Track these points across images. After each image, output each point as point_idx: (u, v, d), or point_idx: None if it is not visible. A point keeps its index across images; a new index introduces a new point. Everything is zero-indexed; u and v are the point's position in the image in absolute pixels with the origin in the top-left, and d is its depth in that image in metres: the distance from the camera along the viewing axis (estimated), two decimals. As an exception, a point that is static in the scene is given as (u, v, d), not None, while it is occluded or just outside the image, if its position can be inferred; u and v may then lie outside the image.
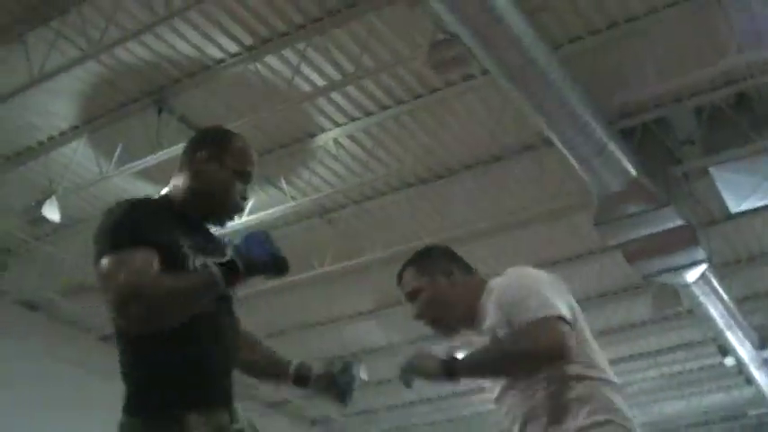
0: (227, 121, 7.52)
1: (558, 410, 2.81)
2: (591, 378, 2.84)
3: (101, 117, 8.03)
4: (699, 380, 13.64)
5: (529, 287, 2.89)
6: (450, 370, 2.86)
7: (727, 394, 14.18)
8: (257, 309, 10.60)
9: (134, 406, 2.55)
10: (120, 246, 2.46)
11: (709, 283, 9.13)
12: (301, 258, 9.64)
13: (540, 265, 9.68)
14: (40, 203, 8.45)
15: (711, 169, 8.02)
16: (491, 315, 2.92)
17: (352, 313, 11.36)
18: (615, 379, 2.93)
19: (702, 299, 9.37)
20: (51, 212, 8.43)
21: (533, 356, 2.79)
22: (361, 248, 9.48)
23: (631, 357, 12.87)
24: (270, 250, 2.57)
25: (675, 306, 10.14)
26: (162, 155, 7.88)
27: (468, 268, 3.21)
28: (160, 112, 7.81)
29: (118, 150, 8.19)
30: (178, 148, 7.65)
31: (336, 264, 9.63)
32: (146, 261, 2.44)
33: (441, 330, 3.19)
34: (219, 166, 2.79)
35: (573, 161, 7.26)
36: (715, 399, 14.38)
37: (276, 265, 2.59)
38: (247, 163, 2.88)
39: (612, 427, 2.76)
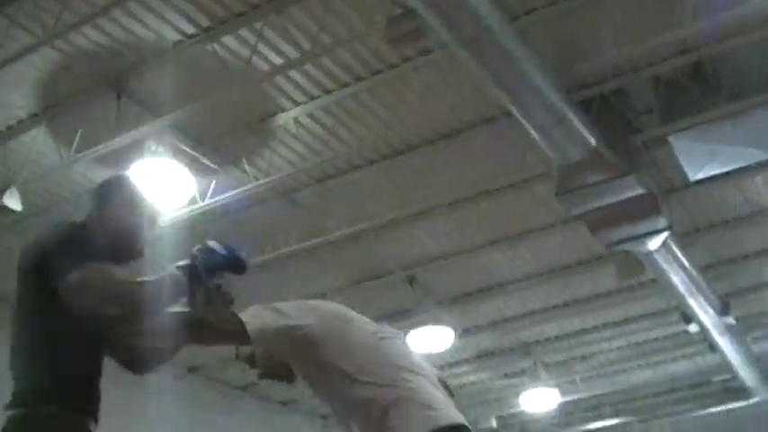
0: (185, 103, 7.54)
1: None
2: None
3: (59, 104, 7.95)
4: (664, 348, 13.82)
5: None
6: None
7: (692, 361, 14.35)
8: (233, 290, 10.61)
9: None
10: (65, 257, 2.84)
11: (671, 252, 9.22)
12: (269, 239, 9.67)
13: (503, 238, 9.82)
14: (0, 193, 8.40)
15: (670, 138, 8.08)
16: None
17: (323, 290, 11.35)
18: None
19: (665, 267, 9.46)
20: (12, 202, 8.39)
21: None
22: (326, 227, 9.50)
23: (596, 328, 13.04)
24: (227, 250, 3.00)
25: (639, 275, 10.23)
26: (121, 140, 7.86)
27: None
28: (119, 96, 7.76)
29: (77, 137, 8.12)
30: (138, 133, 7.71)
31: (303, 243, 9.64)
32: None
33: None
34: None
35: (533, 132, 7.30)
36: (680, 366, 14.56)
37: (235, 262, 3.02)
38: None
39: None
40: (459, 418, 3.23)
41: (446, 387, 3.58)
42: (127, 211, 3.21)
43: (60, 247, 2.89)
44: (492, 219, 9.90)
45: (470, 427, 3.28)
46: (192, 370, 13.08)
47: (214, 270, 2.92)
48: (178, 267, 2.92)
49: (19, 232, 9.33)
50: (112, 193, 3.27)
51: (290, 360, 3.37)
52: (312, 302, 3.49)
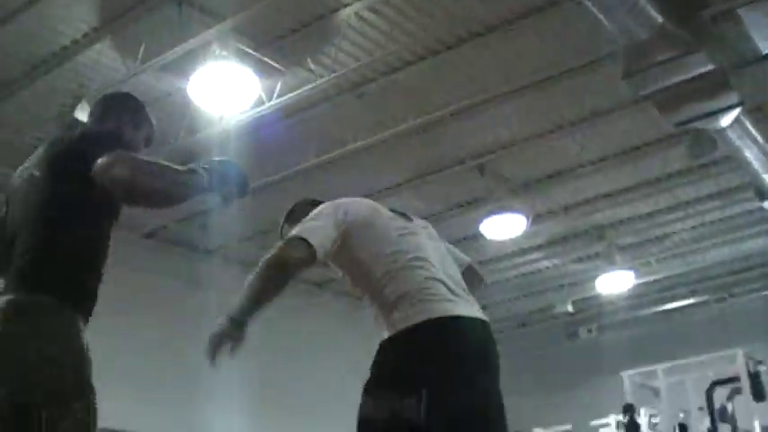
0: (247, 5, 7.54)
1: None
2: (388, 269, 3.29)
3: (122, 16, 7.98)
4: (738, 226, 13.67)
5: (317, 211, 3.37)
6: (236, 318, 3.10)
7: (767, 238, 14.23)
8: (294, 191, 10.71)
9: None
10: (111, 146, 2.82)
11: (743, 128, 9.06)
12: (336, 136, 9.71)
13: (572, 121, 9.72)
14: (71, 108, 8.55)
15: (740, 11, 7.88)
16: None
17: (390, 185, 11.43)
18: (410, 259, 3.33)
19: (738, 143, 9.31)
20: (84, 115, 8.52)
21: (271, 267, 3.17)
22: (393, 120, 9.50)
23: (669, 209, 12.92)
24: (240, 171, 3.02)
25: (711, 153, 10.09)
26: (185, 47, 7.92)
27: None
28: (180, 4, 7.77)
29: (141, 47, 8.19)
30: (201, 38, 7.75)
31: (370, 138, 9.67)
32: None
33: None
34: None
35: (598, 13, 7.16)
36: (755, 244, 14.45)
37: (243, 184, 3.04)
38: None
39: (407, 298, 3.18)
40: (455, 310, 3.25)
41: (473, 277, 3.77)
42: (129, 127, 3.21)
43: (91, 137, 2.94)
44: (560, 103, 9.80)
45: (481, 318, 3.37)
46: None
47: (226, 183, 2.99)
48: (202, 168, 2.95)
49: (92, 144, 9.55)
50: (117, 107, 3.29)
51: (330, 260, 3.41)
52: (342, 200, 3.51)
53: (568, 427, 14.41)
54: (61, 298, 2.76)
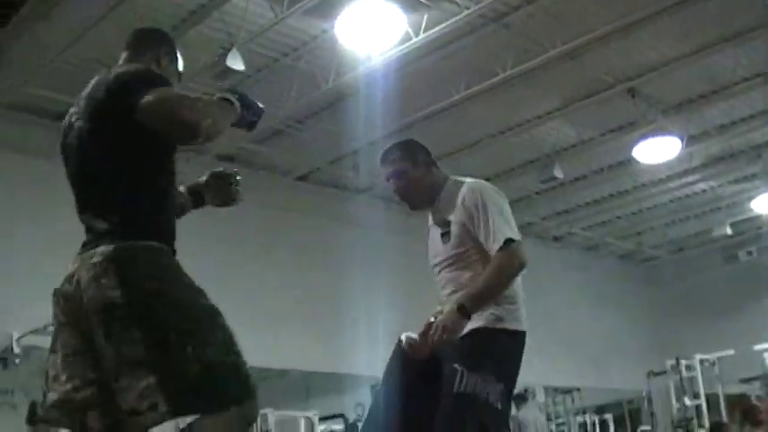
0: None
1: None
2: None
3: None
4: None
5: (496, 204, 3.72)
6: (468, 311, 3.51)
7: None
8: (445, 123, 10.74)
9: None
10: (155, 83, 2.72)
11: None
12: (483, 68, 9.64)
13: (723, 39, 9.39)
14: (223, 56, 8.71)
15: None
16: (456, 210, 3.76)
17: (541, 114, 11.31)
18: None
19: None
20: (236, 63, 8.69)
21: (512, 275, 3.65)
22: (540, 48, 9.37)
23: None
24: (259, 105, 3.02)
25: None
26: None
27: (434, 163, 4.00)
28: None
29: (287, -10, 8.28)
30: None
31: (518, 67, 9.57)
32: None
33: (409, 204, 4.00)
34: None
35: None
36: None
37: (256, 117, 3.03)
38: None
39: (513, 315, 3.69)
40: None
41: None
42: (166, 60, 3.14)
43: (130, 75, 2.80)
44: (711, 20, 9.48)
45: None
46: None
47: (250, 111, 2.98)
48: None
49: (242, 92, 9.73)
50: (153, 40, 3.20)
51: None
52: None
53: (731, 352, 14.12)
54: (151, 238, 2.72)
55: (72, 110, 2.92)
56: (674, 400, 14.18)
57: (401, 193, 3.94)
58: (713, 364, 14.41)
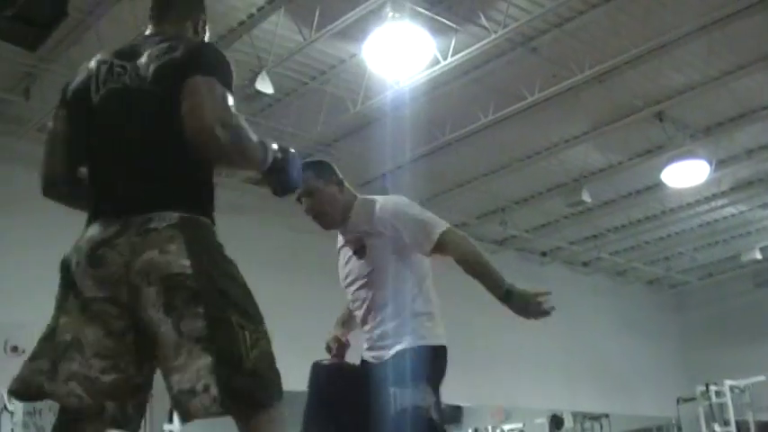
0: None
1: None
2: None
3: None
4: None
5: (415, 206, 3.87)
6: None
7: None
8: (473, 147, 10.75)
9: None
10: (229, 85, 2.60)
11: None
12: (511, 91, 9.66)
13: (752, 61, 9.36)
14: (252, 80, 8.78)
15: None
16: (373, 224, 3.76)
17: (568, 138, 11.31)
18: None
19: None
20: (265, 86, 8.76)
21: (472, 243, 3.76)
22: (568, 71, 9.37)
23: None
24: (299, 176, 2.86)
25: None
26: (358, 11, 8.00)
27: (344, 183, 3.95)
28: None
29: (316, 15, 8.32)
30: (373, 2, 7.80)
31: (546, 91, 9.57)
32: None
33: (322, 223, 3.93)
34: None
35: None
36: None
37: (293, 188, 2.88)
38: None
39: (433, 332, 3.72)
40: None
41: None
42: (193, 32, 2.98)
43: (225, 65, 2.68)
44: (738, 43, 9.44)
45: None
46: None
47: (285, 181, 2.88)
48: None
49: (270, 115, 9.82)
50: (192, 5, 3.04)
51: None
52: None
53: (762, 378, 13.99)
54: (207, 215, 2.59)
55: (113, 62, 2.77)
56: (703, 427, 14.02)
57: (314, 213, 3.89)
58: (743, 390, 14.29)
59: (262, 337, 2.44)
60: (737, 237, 15.67)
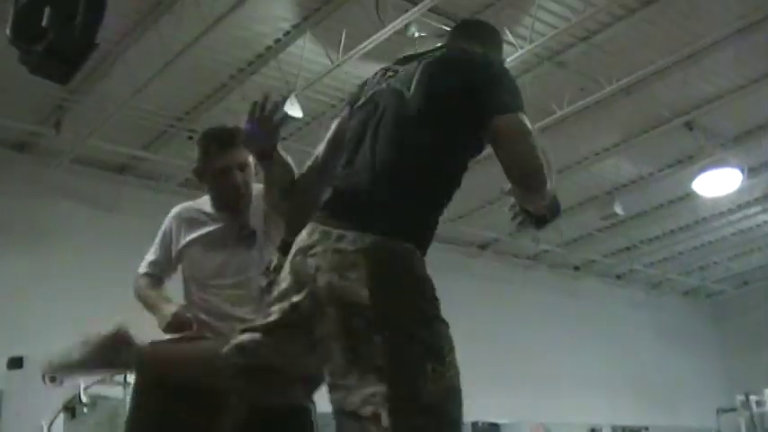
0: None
1: None
2: None
3: (319, 9, 8.21)
4: None
5: None
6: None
7: None
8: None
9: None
10: (522, 110, 2.52)
11: None
12: (540, 106, 9.64)
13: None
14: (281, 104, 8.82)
15: None
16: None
17: (599, 150, 11.29)
18: None
19: None
20: (294, 110, 8.79)
21: None
22: (596, 84, 9.36)
23: None
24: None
25: None
26: (384, 33, 8.02)
27: None
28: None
29: (342, 38, 8.36)
30: (399, 23, 7.83)
31: (575, 104, 9.56)
32: None
33: (241, 204, 3.51)
34: None
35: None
36: None
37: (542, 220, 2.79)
38: None
39: None
40: None
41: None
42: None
43: (501, 77, 2.63)
44: (765, 51, 9.40)
45: None
46: (483, 246, 13.42)
47: None
48: None
49: (300, 139, 9.85)
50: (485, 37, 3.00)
51: None
52: None
53: (803, 386, 13.85)
54: (412, 239, 2.47)
55: (394, 68, 2.84)
56: (745, 437, 13.91)
57: (244, 190, 3.53)
58: (784, 399, 14.15)
59: (449, 369, 2.35)
60: (771, 245, 15.57)
